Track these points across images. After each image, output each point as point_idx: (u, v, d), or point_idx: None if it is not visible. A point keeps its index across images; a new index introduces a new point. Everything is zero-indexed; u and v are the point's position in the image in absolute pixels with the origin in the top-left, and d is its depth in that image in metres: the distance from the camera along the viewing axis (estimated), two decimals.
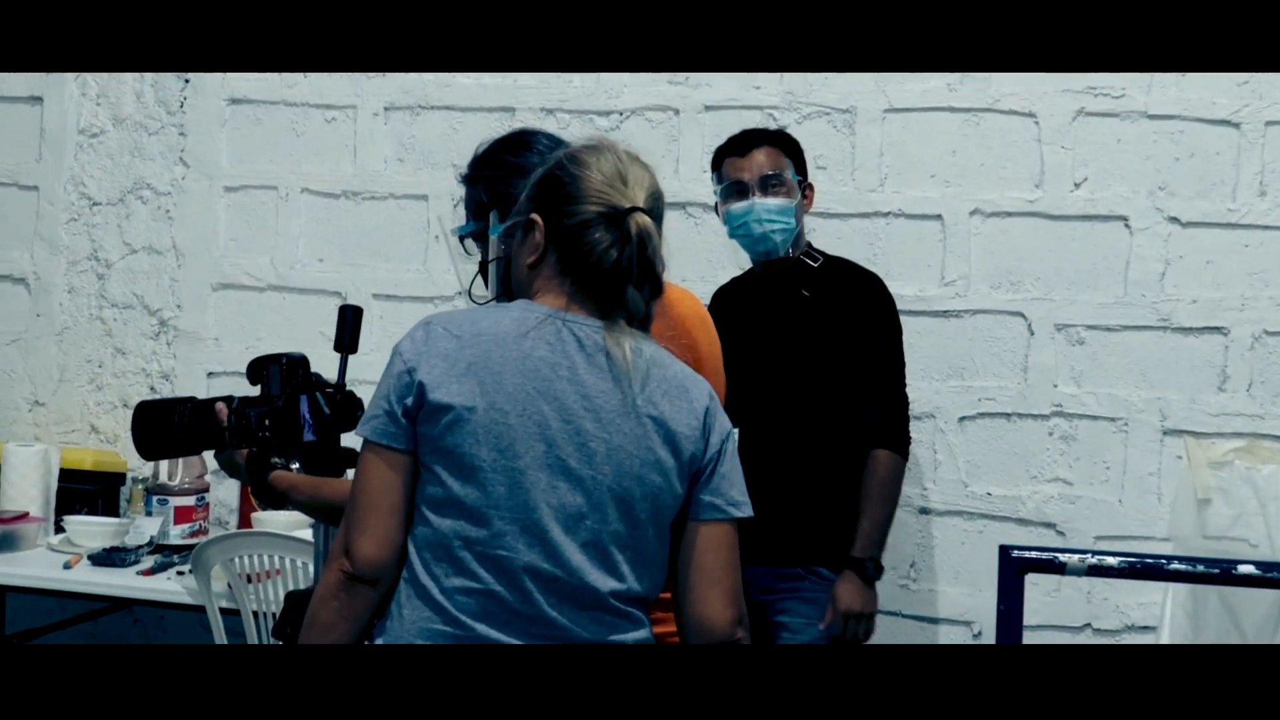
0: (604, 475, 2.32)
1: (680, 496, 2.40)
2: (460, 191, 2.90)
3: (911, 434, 3.85)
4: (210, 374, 5.20)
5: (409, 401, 2.30)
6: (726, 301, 4.03)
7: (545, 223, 2.40)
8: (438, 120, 5.04)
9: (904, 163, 4.65)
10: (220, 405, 2.93)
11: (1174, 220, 4.46)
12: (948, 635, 4.62)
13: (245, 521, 4.78)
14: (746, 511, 2.45)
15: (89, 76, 5.33)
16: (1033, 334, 4.53)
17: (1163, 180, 4.47)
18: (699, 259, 4.70)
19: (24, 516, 4.68)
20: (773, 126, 4.26)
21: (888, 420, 3.79)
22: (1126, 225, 4.48)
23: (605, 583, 2.35)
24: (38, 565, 4.45)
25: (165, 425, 2.97)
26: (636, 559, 2.38)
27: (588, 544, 2.33)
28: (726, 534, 2.43)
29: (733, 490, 2.44)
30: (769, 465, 3.74)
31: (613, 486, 2.33)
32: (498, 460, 2.28)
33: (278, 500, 2.92)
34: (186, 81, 5.26)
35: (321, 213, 5.15)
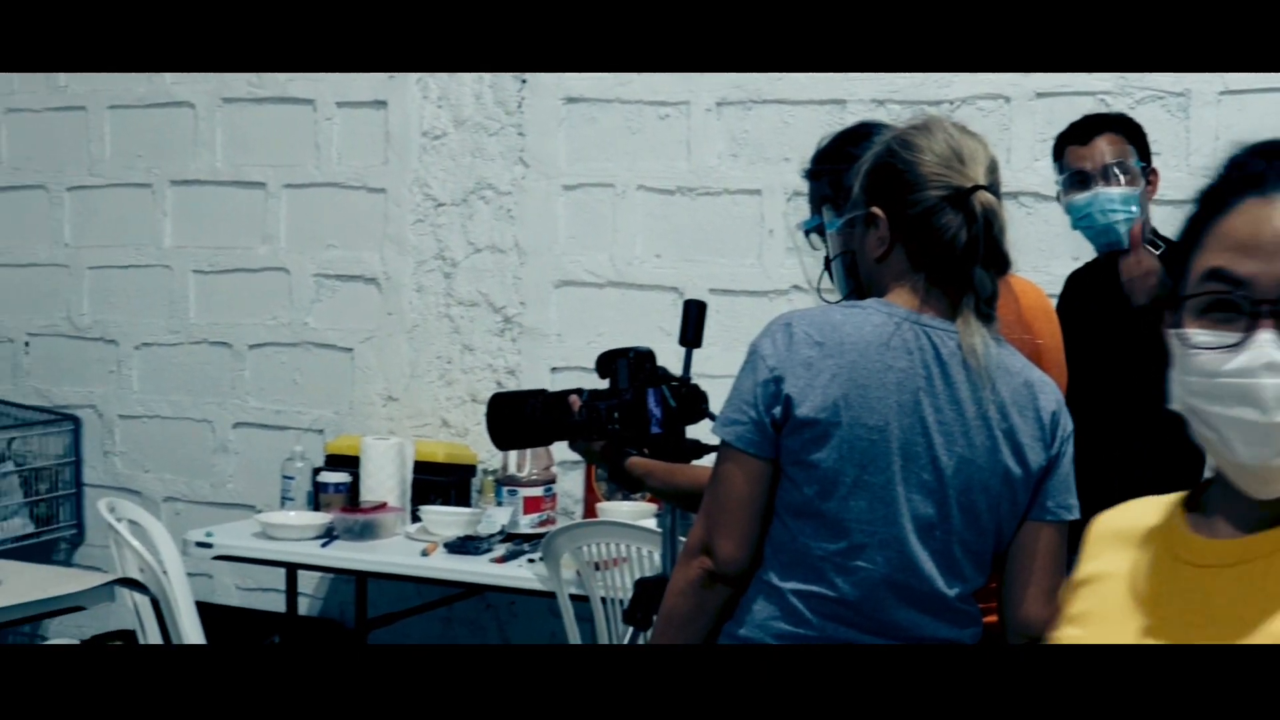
0: (954, 487, 2.33)
1: (1023, 505, 2.40)
2: (800, 185, 2.93)
3: None
4: (553, 369, 5.29)
5: (776, 412, 2.32)
6: (1080, 287, 3.95)
7: (887, 214, 2.39)
8: (769, 114, 5.05)
9: None
10: (573, 398, 3.02)
11: None
12: None
13: (590, 511, 4.89)
14: (1075, 514, 2.43)
15: (430, 81, 5.46)
16: None
17: None
18: (1031, 249, 4.60)
19: (383, 507, 4.86)
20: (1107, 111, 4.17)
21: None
22: None
23: (951, 588, 2.37)
24: (397, 553, 4.64)
25: (518, 417, 3.06)
26: (976, 560, 2.40)
27: (937, 552, 2.35)
28: (1055, 535, 2.43)
29: (1066, 493, 2.44)
30: (1106, 452, 3.70)
31: (960, 498, 2.34)
32: (859, 476, 2.31)
33: (634, 485, 3.00)
34: (524, 82, 5.35)
35: (657, 209, 5.22)
